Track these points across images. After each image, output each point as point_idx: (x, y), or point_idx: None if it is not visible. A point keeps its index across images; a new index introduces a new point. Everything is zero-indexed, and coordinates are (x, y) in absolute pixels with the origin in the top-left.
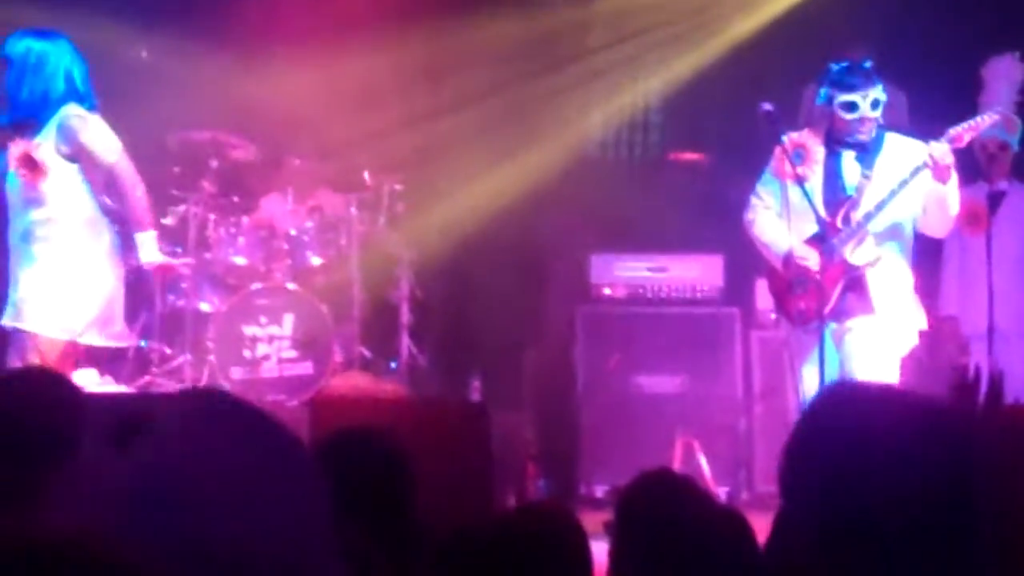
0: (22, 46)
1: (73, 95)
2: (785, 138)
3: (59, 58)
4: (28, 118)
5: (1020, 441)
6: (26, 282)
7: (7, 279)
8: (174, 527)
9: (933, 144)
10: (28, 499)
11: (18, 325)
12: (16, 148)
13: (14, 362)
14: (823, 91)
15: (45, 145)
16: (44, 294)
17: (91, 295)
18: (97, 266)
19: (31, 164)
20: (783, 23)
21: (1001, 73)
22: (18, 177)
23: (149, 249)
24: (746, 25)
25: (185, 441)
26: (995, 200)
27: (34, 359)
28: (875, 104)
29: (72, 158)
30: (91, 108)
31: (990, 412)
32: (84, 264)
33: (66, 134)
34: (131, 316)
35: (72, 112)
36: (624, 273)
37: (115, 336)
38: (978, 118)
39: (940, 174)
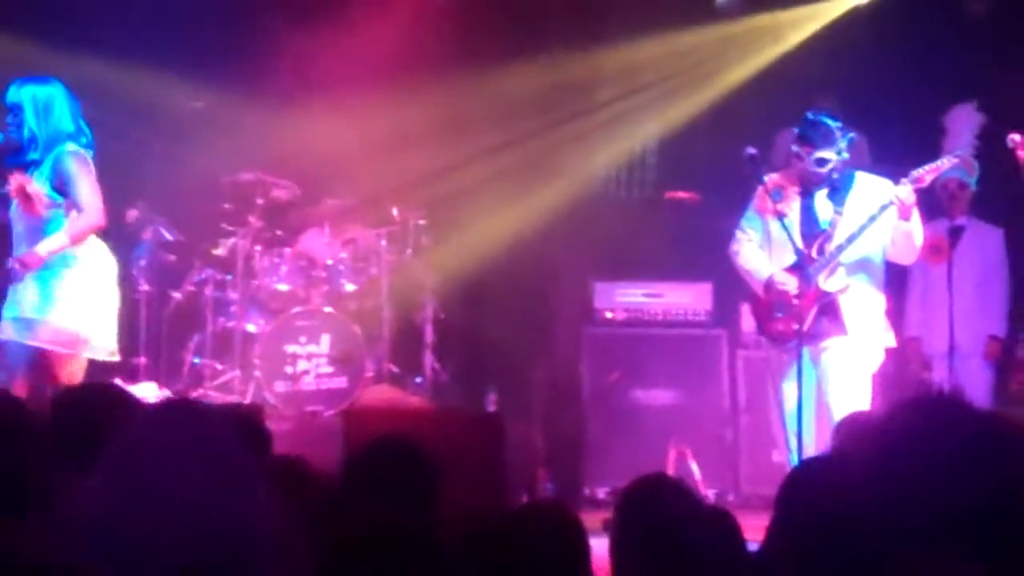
0: (27, 92)
1: (74, 135)
2: (766, 178)
3: (62, 100)
4: (33, 159)
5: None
6: (31, 302)
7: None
8: (140, 526)
9: (898, 186)
10: None
11: (25, 341)
12: (14, 180)
13: (16, 373)
14: (794, 132)
15: (40, 180)
16: (50, 314)
17: (94, 316)
18: (97, 289)
19: (25, 196)
20: (765, 76)
21: (961, 120)
22: (18, 206)
23: (47, 247)
24: (732, 77)
25: (150, 453)
26: (955, 234)
27: (40, 372)
28: (820, 162)
29: (62, 192)
30: (88, 145)
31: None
32: (85, 287)
33: (58, 168)
34: (184, 337)
35: (69, 149)
36: (624, 298)
37: (111, 352)
38: (939, 162)
39: (904, 212)
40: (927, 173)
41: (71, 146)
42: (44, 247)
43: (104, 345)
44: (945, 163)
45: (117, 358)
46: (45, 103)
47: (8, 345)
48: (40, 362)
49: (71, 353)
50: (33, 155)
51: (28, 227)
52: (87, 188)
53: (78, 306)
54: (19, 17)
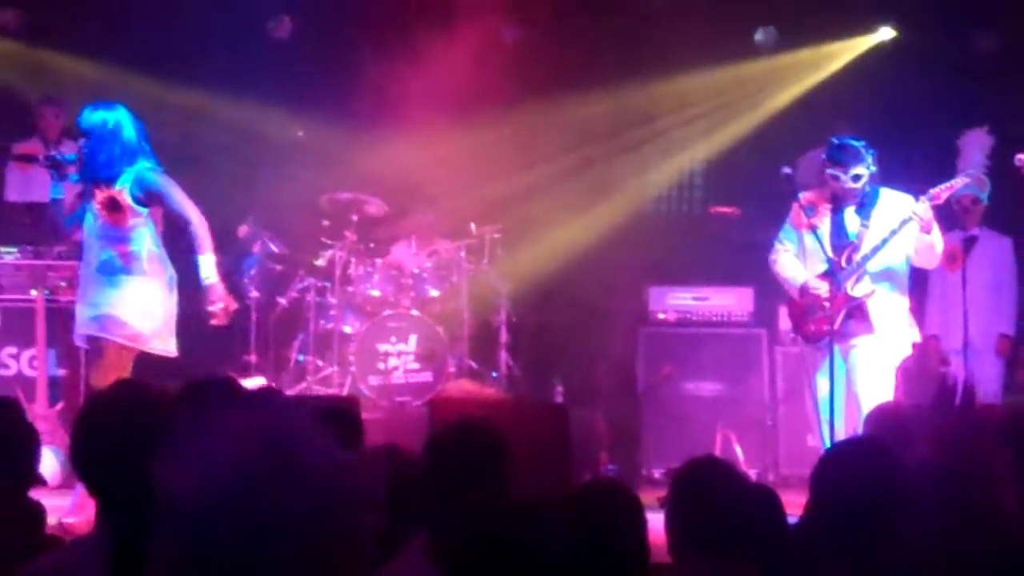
0: (97, 117)
1: (142, 152)
2: (800, 195)
3: (127, 124)
4: (109, 175)
5: (990, 431)
6: (108, 303)
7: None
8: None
9: (917, 203)
10: None
11: (102, 335)
12: (101, 193)
13: (95, 364)
14: (824, 157)
15: (124, 191)
16: (125, 313)
17: (157, 315)
18: (162, 293)
19: (114, 206)
20: (798, 104)
21: (974, 142)
22: (99, 218)
23: (208, 271)
24: (769, 106)
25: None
26: (969, 244)
27: (111, 362)
28: (855, 178)
29: (144, 203)
30: (157, 163)
31: (965, 412)
32: (153, 290)
33: (142, 183)
34: (289, 337)
35: (146, 166)
36: (675, 301)
37: (169, 348)
38: (953, 180)
39: (925, 226)
40: (943, 191)
41: (146, 163)
42: (208, 275)
43: (161, 345)
44: (959, 182)
45: (174, 354)
46: (113, 126)
47: (94, 340)
48: (109, 352)
49: (132, 347)
50: (104, 173)
51: (108, 237)
52: (183, 198)
53: (142, 306)
54: (149, 58)
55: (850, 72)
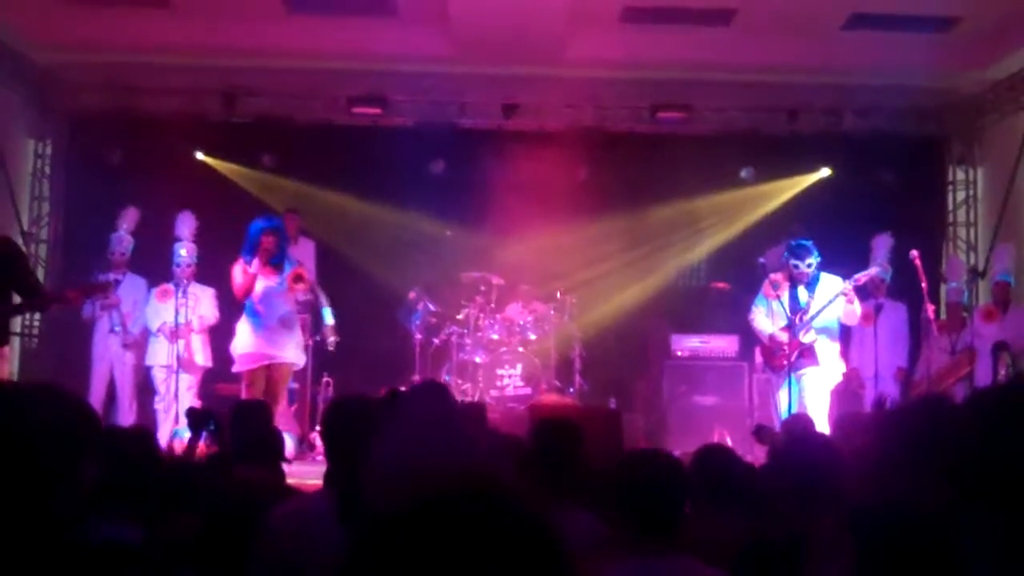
0: (279, 223)
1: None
2: (770, 275)
3: None
4: (284, 263)
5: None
6: (293, 343)
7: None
8: (422, 456)
9: (845, 284)
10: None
11: (295, 363)
12: (292, 271)
13: (282, 378)
14: (786, 253)
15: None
16: (299, 347)
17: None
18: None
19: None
20: (769, 217)
21: (881, 243)
22: (287, 287)
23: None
24: (751, 218)
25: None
26: (878, 309)
27: (288, 377)
28: (808, 266)
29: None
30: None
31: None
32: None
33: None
34: (440, 364)
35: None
36: (688, 344)
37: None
38: (869, 270)
39: (849, 299)
40: (862, 276)
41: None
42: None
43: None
44: (872, 271)
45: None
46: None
47: (288, 364)
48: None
49: (297, 367)
50: (282, 260)
51: (284, 299)
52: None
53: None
54: (345, 182)
55: (802, 196)
